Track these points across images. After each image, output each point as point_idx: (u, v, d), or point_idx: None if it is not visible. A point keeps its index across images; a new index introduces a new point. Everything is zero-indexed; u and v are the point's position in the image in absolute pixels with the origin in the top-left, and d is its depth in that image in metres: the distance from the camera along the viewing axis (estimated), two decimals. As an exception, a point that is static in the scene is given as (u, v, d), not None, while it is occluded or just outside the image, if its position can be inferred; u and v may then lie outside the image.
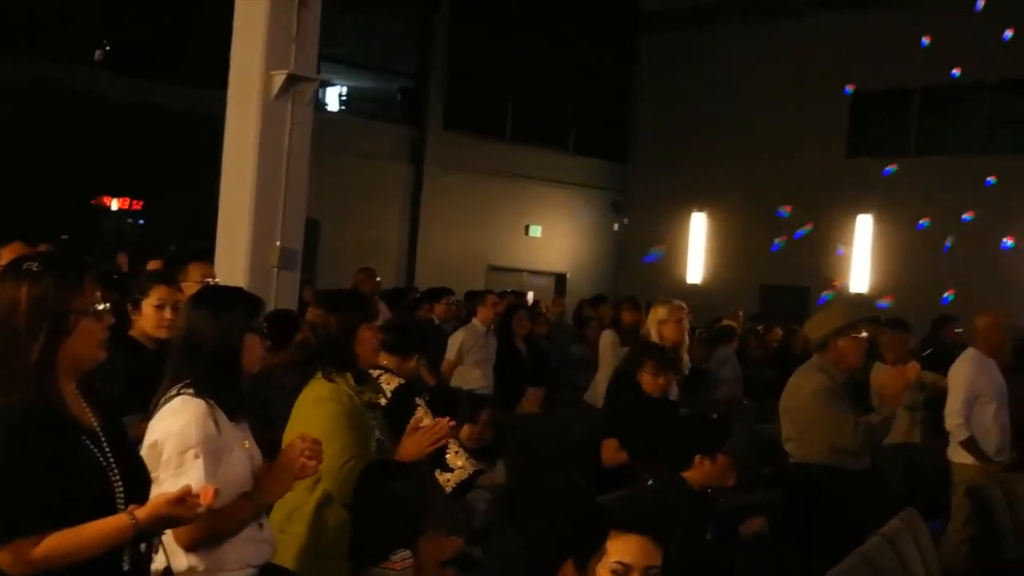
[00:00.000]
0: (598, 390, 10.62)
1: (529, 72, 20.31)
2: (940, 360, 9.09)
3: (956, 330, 10.77)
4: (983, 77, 17.32)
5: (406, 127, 19.06)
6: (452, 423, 4.46)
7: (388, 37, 19.35)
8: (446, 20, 19.11)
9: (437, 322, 10.92)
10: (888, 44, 17.79)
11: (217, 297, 3.65)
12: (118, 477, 2.81)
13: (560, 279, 20.98)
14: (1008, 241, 15.95)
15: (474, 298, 10.91)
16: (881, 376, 6.15)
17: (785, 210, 16.70)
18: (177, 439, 3.30)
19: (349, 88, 20.10)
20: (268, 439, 3.88)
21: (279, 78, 7.94)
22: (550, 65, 20.62)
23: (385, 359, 5.15)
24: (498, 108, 20.18)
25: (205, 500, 2.75)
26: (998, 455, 7.28)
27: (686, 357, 7.22)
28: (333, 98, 19.69)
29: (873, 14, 18.07)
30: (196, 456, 3.28)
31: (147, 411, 3.47)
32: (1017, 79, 17.19)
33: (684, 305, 7.20)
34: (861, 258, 18.52)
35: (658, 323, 6.88)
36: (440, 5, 19.02)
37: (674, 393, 6.94)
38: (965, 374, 7.38)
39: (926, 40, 16.47)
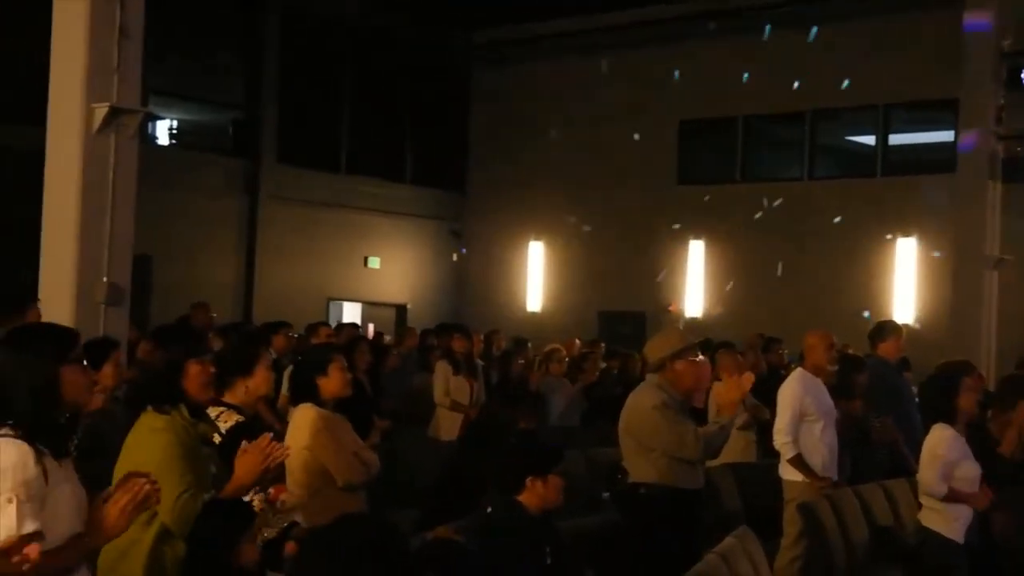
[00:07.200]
0: (439, 424, 10.61)
1: (363, 103, 20.24)
2: (768, 382, 9.37)
3: (781, 352, 11.09)
4: (803, 106, 17.98)
5: (239, 160, 18.76)
6: (286, 447, 4.37)
7: (218, 69, 19.03)
8: (277, 51, 18.90)
9: (275, 356, 10.67)
10: (713, 75, 18.34)
11: (25, 336, 3.53)
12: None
13: (401, 310, 20.91)
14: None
15: (311, 331, 10.75)
16: (718, 388, 6.27)
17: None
18: None
19: (180, 121, 19.68)
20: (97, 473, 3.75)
21: (101, 111, 7.75)
22: (384, 96, 20.60)
23: (230, 395, 5.00)
24: (332, 139, 20.03)
25: (32, 554, 2.65)
26: (825, 472, 7.50)
27: None
28: (163, 131, 19.26)
29: (699, 47, 18.60)
30: (10, 501, 3.14)
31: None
32: (835, 107, 17.90)
33: None
34: (694, 283, 18.94)
35: None
36: (271, 36, 18.81)
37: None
38: (792, 393, 7.58)
39: (747, 72, 17.13)
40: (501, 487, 4.66)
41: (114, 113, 7.82)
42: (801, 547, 7.25)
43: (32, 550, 2.67)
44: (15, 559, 2.63)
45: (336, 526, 2.68)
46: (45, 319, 5.47)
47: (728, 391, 6.01)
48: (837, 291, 16.90)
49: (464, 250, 21.55)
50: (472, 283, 21.39)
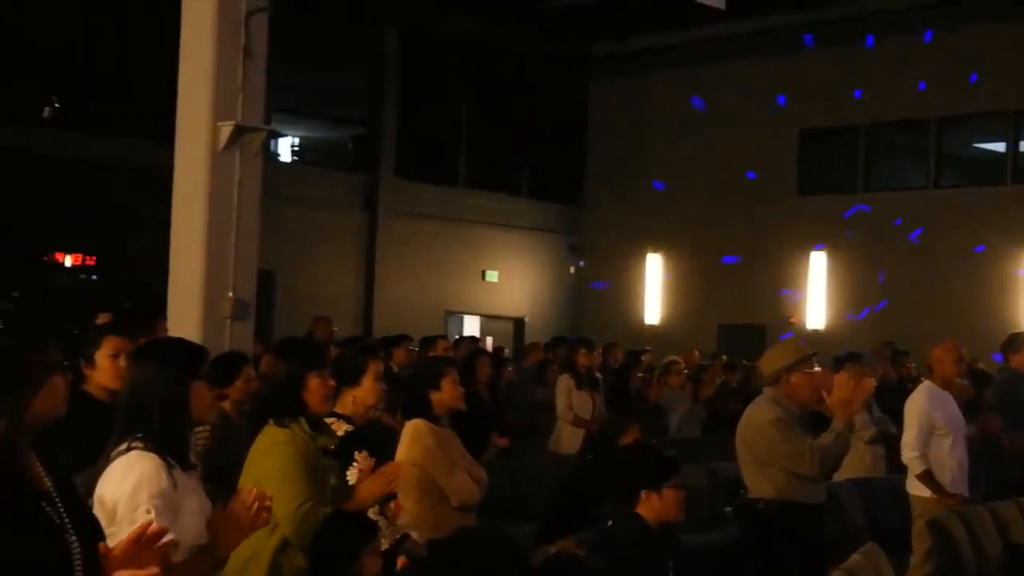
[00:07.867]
0: (560, 437, 10.56)
1: (481, 118, 20.40)
2: (896, 394, 9.15)
3: (909, 364, 10.82)
4: (928, 114, 17.56)
5: (359, 175, 19.04)
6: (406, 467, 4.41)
7: (339, 86, 19.37)
8: (396, 68, 19.15)
9: (395, 370, 10.75)
10: (833, 84, 18.03)
11: (158, 350, 3.62)
12: (75, 538, 2.73)
13: (518, 323, 20.96)
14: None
15: (428, 344, 10.80)
16: (835, 391, 5.97)
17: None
18: (131, 495, 3.24)
19: (301, 138, 20.07)
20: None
21: (226, 129, 7.92)
22: (502, 110, 20.71)
23: (340, 405, 5.05)
24: (450, 154, 20.22)
25: (165, 541, 2.68)
26: (955, 488, 7.28)
27: None
28: (285, 148, 19.66)
29: (817, 54, 18.31)
30: (148, 511, 3.20)
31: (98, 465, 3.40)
32: (962, 114, 17.44)
33: None
34: (816, 295, 18.61)
35: None
36: (390, 53, 19.07)
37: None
38: (919, 406, 7.38)
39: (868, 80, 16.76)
40: (617, 500, 4.61)
41: (239, 131, 7.98)
42: (931, 565, 7.03)
43: (167, 542, 2.70)
44: (151, 541, 2.65)
45: (457, 541, 2.67)
46: (172, 334, 5.61)
47: (840, 390, 5.72)
48: (965, 302, 16.44)
49: (581, 263, 21.51)
50: (590, 296, 21.33)
